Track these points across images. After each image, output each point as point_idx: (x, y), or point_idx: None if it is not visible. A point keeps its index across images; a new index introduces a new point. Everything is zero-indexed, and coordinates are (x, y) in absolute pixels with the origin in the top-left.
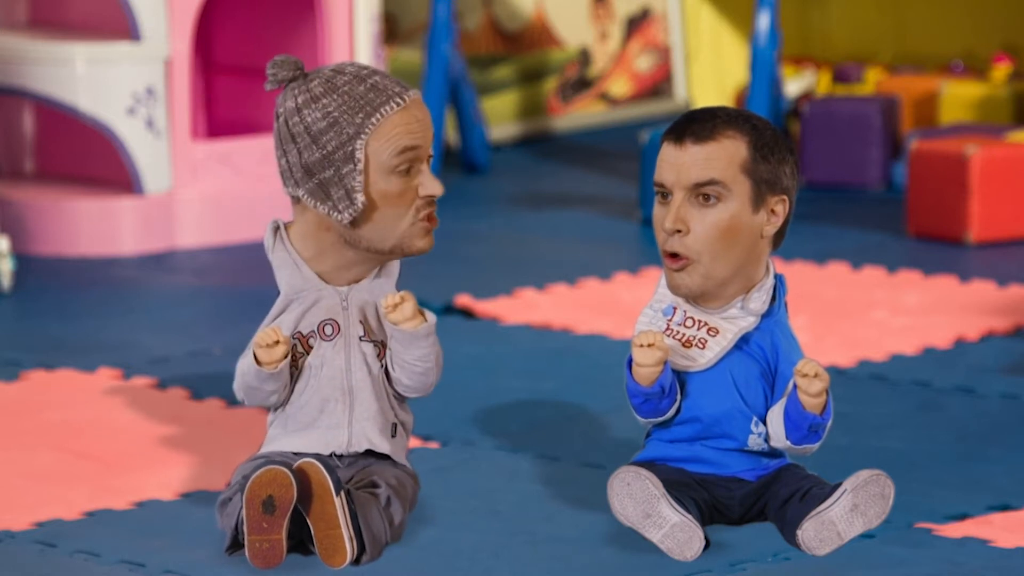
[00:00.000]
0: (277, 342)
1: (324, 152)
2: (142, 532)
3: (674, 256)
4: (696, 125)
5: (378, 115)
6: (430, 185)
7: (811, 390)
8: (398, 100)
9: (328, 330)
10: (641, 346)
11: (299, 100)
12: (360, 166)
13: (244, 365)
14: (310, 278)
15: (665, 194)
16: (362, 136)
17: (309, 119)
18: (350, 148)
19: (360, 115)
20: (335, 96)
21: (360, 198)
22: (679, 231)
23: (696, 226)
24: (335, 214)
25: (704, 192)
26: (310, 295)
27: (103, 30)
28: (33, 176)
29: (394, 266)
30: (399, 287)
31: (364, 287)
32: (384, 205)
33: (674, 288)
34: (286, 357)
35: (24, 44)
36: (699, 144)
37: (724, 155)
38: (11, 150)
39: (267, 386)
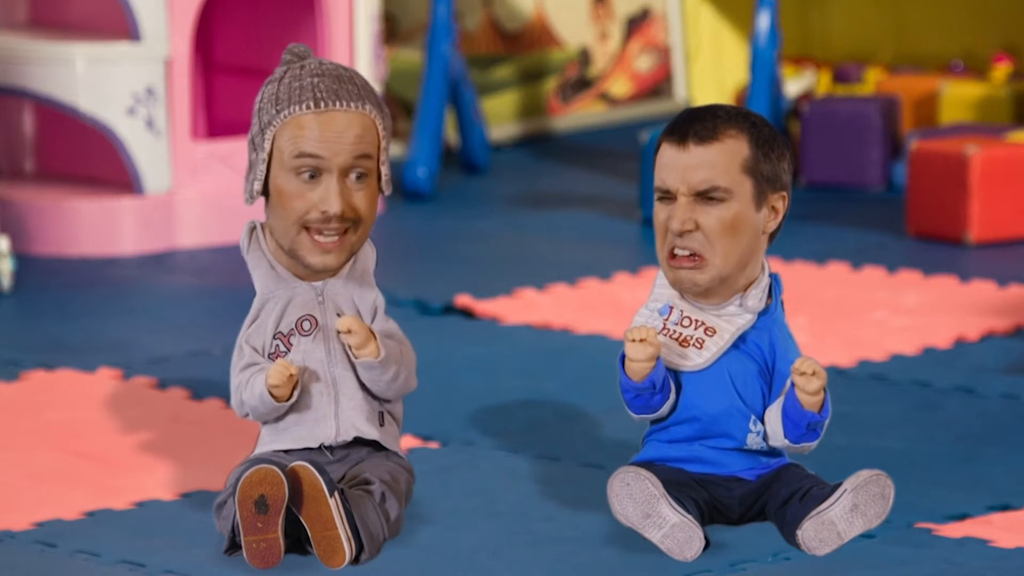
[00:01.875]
0: (291, 375)
1: (251, 135)
2: (142, 532)
3: (688, 256)
4: (698, 125)
5: (287, 112)
6: (327, 200)
7: (809, 388)
8: (311, 104)
9: (306, 325)
10: (633, 341)
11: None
12: (264, 155)
13: (251, 398)
14: (284, 276)
15: (667, 193)
16: (271, 127)
17: (256, 102)
18: (262, 137)
19: (275, 108)
20: (274, 85)
21: (257, 186)
22: (689, 230)
23: (703, 223)
24: (245, 195)
25: (711, 190)
26: (285, 293)
27: (103, 30)
28: (33, 176)
29: (370, 259)
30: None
31: (340, 281)
32: (277, 202)
33: (679, 283)
34: (298, 385)
35: (24, 44)
36: (702, 145)
37: (726, 157)
38: (11, 150)
39: (282, 411)
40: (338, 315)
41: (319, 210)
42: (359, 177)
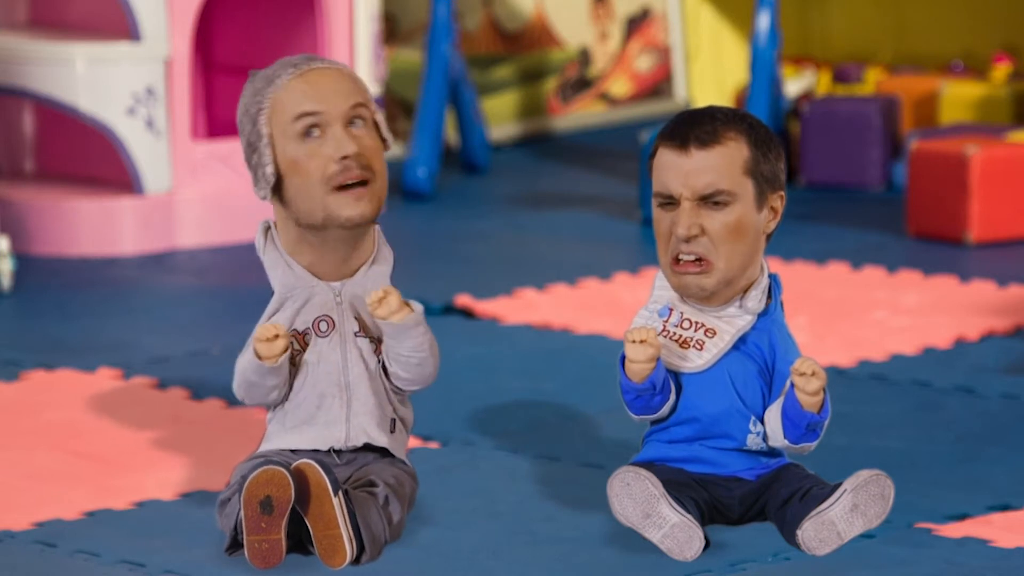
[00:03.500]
0: (277, 336)
1: (247, 140)
2: (142, 532)
3: (694, 261)
4: (697, 129)
5: (271, 87)
6: (340, 145)
7: (808, 388)
8: (291, 71)
9: (323, 326)
10: (633, 342)
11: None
12: (266, 140)
13: (243, 362)
14: (302, 276)
15: (669, 199)
16: (262, 111)
17: (237, 115)
18: (256, 126)
19: (259, 96)
20: (248, 86)
21: (270, 169)
22: (695, 235)
23: (708, 227)
24: (258, 193)
25: (715, 194)
26: (303, 292)
27: (103, 30)
28: (33, 176)
29: (387, 256)
30: (394, 279)
31: (358, 282)
32: (294, 174)
33: (685, 289)
34: (286, 351)
35: (24, 44)
36: (704, 149)
37: (728, 160)
38: (11, 150)
39: (268, 381)
40: (356, 318)
41: (335, 159)
42: (360, 124)
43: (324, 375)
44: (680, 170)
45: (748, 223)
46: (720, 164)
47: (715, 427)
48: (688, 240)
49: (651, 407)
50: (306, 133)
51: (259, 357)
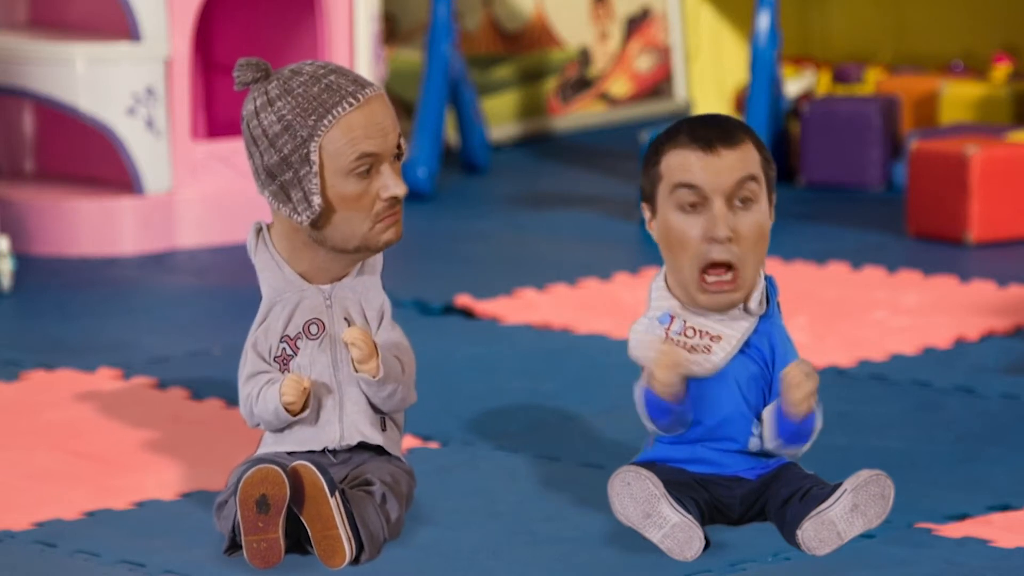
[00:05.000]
0: (305, 388)
1: (281, 155)
2: (142, 532)
3: (726, 267)
4: (719, 131)
5: (330, 116)
6: (392, 186)
7: (792, 398)
8: (351, 100)
9: (313, 329)
10: (666, 367)
11: (257, 103)
12: (315, 168)
13: (264, 412)
14: (292, 279)
15: (694, 203)
16: (315, 139)
17: (265, 123)
18: (305, 151)
19: (313, 117)
20: (289, 99)
21: (317, 200)
22: (731, 238)
23: (740, 231)
24: (295, 216)
25: (746, 190)
26: (293, 296)
27: (103, 30)
28: (33, 176)
29: (377, 261)
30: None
31: (347, 284)
32: (343, 207)
33: (714, 306)
34: (311, 396)
35: (24, 44)
36: (731, 149)
37: (747, 160)
38: (11, 150)
39: (287, 423)
40: (345, 319)
41: (384, 199)
42: (396, 157)
43: (316, 377)
44: (711, 167)
45: (766, 223)
46: (745, 162)
47: (719, 430)
48: (725, 242)
49: (684, 421)
50: (359, 171)
51: (289, 412)
